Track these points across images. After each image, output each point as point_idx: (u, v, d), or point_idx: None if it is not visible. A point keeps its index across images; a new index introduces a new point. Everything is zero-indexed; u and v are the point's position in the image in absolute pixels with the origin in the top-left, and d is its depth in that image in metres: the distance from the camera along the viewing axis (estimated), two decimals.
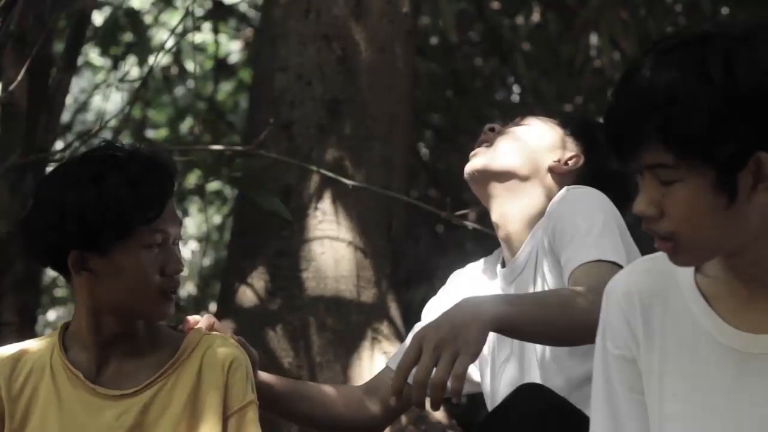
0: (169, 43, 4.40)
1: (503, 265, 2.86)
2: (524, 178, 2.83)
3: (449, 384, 2.22)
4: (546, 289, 2.67)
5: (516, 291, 2.77)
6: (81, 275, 2.50)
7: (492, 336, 2.40)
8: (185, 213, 9.12)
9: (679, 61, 1.83)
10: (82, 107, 7.88)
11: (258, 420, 2.53)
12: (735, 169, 1.81)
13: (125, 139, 7.70)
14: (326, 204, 3.98)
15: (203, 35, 7.78)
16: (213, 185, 7.11)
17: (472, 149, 2.90)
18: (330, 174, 3.90)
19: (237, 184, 4.07)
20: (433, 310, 2.92)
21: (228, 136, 7.10)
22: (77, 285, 2.52)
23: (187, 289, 9.38)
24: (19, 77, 3.46)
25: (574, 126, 2.91)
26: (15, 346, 2.60)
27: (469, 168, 2.87)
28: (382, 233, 4.04)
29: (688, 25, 1.96)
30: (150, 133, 8.45)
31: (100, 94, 7.67)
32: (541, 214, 2.77)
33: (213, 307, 6.88)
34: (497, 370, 2.81)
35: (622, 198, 2.78)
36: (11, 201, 3.63)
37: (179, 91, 8.20)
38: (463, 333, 2.24)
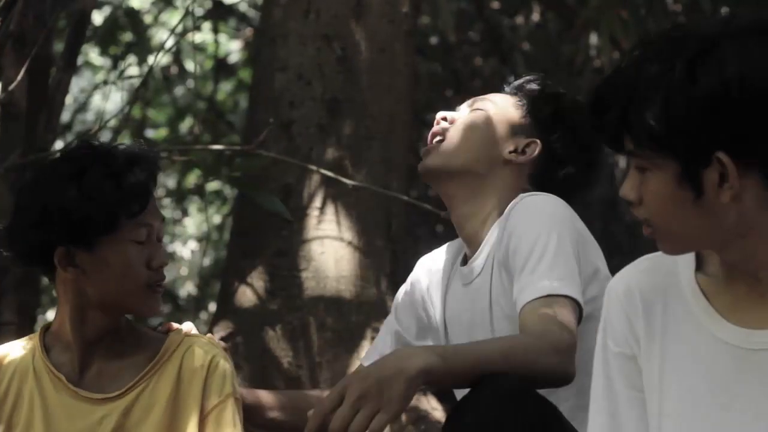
0: (169, 43, 4.39)
1: (463, 262, 2.79)
2: (481, 175, 2.73)
3: None
4: (499, 298, 2.63)
5: (472, 296, 2.70)
6: (67, 272, 2.49)
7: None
8: (185, 213, 9.12)
9: (649, 57, 1.87)
10: (82, 107, 7.89)
11: (238, 416, 2.52)
12: (698, 166, 1.84)
13: (125, 139, 7.71)
14: (326, 204, 3.98)
15: (203, 35, 7.78)
16: (213, 185, 7.12)
17: (427, 142, 2.80)
18: (330, 174, 3.89)
19: (237, 183, 4.07)
20: (399, 298, 2.89)
21: (228, 136, 7.10)
22: (63, 282, 2.52)
23: (187, 288, 9.38)
24: (19, 77, 3.46)
25: (530, 104, 2.80)
26: None
27: (422, 168, 2.77)
28: (381, 233, 4.04)
29: (683, 23, 1.98)
30: (150, 133, 8.46)
31: (99, 94, 7.67)
32: (500, 210, 2.70)
33: (213, 306, 6.88)
34: None
35: (582, 183, 2.78)
36: (11, 201, 3.63)
37: (179, 90, 8.21)
38: (387, 390, 2.22)
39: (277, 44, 4.13)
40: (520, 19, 7.53)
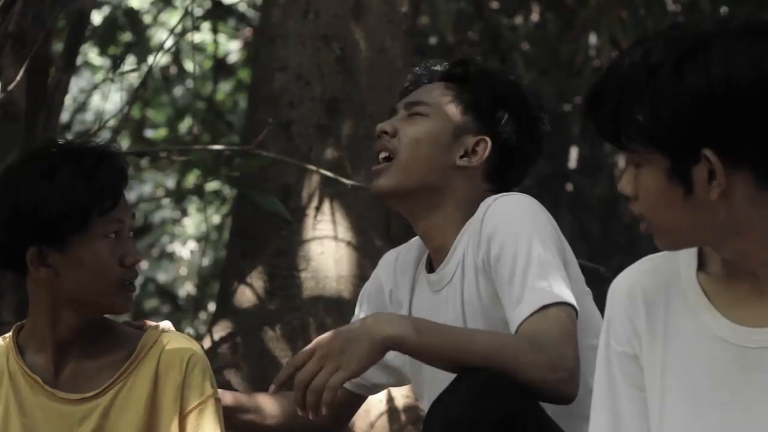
0: (168, 43, 4.39)
1: (430, 269, 2.72)
2: (437, 187, 2.66)
3: (324, 394, 2.31)
4: (474, 306, 2.59)
5: (441, 304, 2.64)
6: (40, 272, 2.47)
7: None
8: (184, 213, 9.12)
9: (643, 55, 1.87)
10: (81, 107, 7.89)
11: (219, 415, 2.50)
12: (687, 162, 1.85)
13: (124, 139, 7.70)
14: (325, 204, 3.98)
15: (202, 35, 7.78)
16: (212, 185, 7.11)
17: (375, 160, 2.71)
18: (329, 174, 3.89)
19: (236, 183, 4.07)
20: (366, 297, 2.84)
21: (227, 136, 7.10)
22: (35, 282, 2.49)
23: (186, 288, 9.38)
24: (18, 77, 3.46)
25: (470, 100, 2.70)
26: None
27: (376, 190, 2.68)
28: (381, 233, 4.04)
29: (682, 22, 1.99)
30: (149, 133, 8.46)
31: (98, 94, 7.67)
32: (464, 215, 2.64)
33: (212, 306, 6.88)
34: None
35: (535, 158, 2.74)
36: None
37: (178, 90, 8.21)
38: (351, 349, 2.32)
39: (276, 44, 4.13)
40: (519, 19, 7.53)
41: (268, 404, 2.81)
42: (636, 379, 2.01)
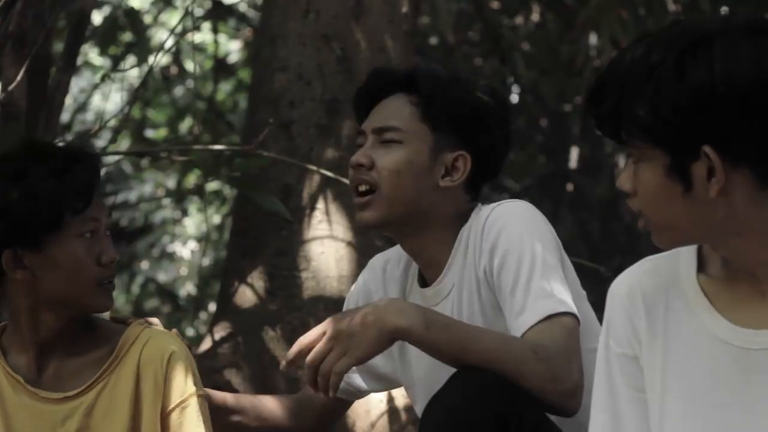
0: (169, 43, 4.39)
1: (423, 284, 2.67)
2: (423, 210, 2.60)
3: (331, 378, 2.33)
4: (474, 319, 2.56)
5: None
6: (17, 274, 2.45)
7: None
8: (185, 213, 9.12)
9: (644, 51, 1.87)
10: (82, 107, 7.89)
11: (203, 412, 2.48)
12: (686, 159, 1.85)
13: (125, 139, 7.70)
14: (325, 204, 3.98)
15: (203, 35, 7.79)
16: (212, 185, 7.12)
17: (353, 191, 2.67)
18: (329, 174, 3.89)
19: (236, 184, 4.07)
20: (351, 299, 2.81)
21: (227, 136, 7.11)
22: (13, 285, 2.48)
23: (187, 288, 9.38)
24: (19, 77, 3.46)
25: (439, 115, 2.62)
26: None
27: (362, 223, 2.65)
28: (381, 233, 4.04)
29: (684, 20, 1.98)
30: (149, 133, 8.46)
31: (99, 94, 7.67)
32: (454, 229, 2.61)
33: (212, 307, 6.88)
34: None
35: (506, 154, 2.69)
36: None
37: (179, 90, 8.21)
38: (359, 335, 2.33)
39: (276, 44, 4.13)
40: (519, 20, 7.54)
41: (255, 406, 2.80)
42: (636, 380, 2.01)
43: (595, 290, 2.66)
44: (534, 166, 8.26)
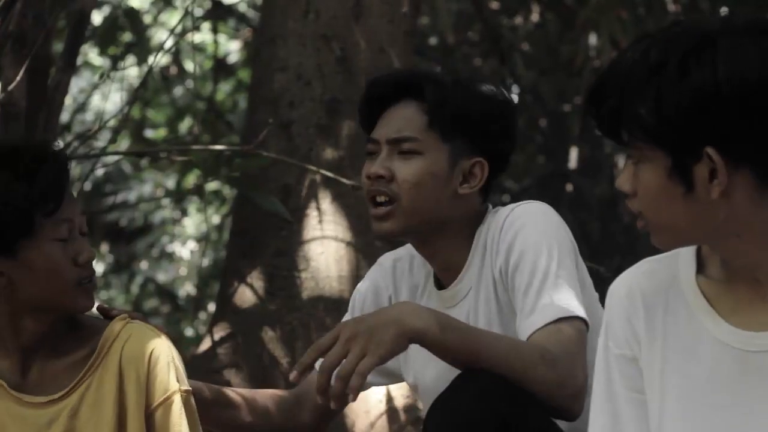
0: (169, 43, 4.39)
1: (439, 286, 2.67)
2: (444, 218, 2.61)
3: (353, 380, 2.26)
4: (492, 320, 2.57)
5: (457, 317, 2.56)
6: None
7: None
8: (184, 213, 9.12)
9: (645, 51, 1.87)
10: (81, 107, 7.89)
11: (188, 409, 2.45)
12: (688, 160, 1.84)
13: (124, 139, 7.70)
14: (325, 204, 3.98)
15: (202, 35, 7.79)
16: (212, 185, 7.11)
17: (369, 201, 2.61)
18: (329, 174, 3.89)
19: (236, 184, 4.07)
20: (362, 302, 2.81)
21: (227, 136, 7.10)
22: None
23: (186, 289, 9.38)
24: (19, 77, 3.46)
25: (453, 122, 2.60)
26: None
27: (380, 233, 2.62)
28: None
29: (684, 20, 1.99)
30: (149, 133, 8.46)
31: (98, 94, 7.67)
32: (469, 231, 2.62)
33: (212, 307, 6.88)
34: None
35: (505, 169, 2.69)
36: None
37: (178, 91, 8.21)
38: (378, 334, 2.28)
39: (276, 44, 4.13)
40: (519, 20, 7.54)
41: (249, 401, 2.77)
42: (635, 381, 2.01)
43: (595, 290, 2.66)
44: (533, 167, 8.26)
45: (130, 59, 6.45)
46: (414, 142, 2.60)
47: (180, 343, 4.28)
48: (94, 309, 2.54)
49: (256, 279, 3.96)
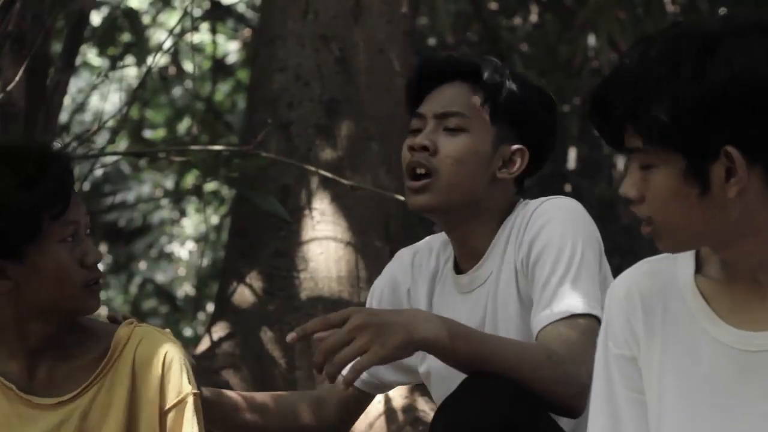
0: (167, 44, 4.39)
1: (457, 271, 2.68)
2: (478, 200, 2.61)
3: (347, 373, 2.27)
4: (508, 308, 2.58)
5: (472, 305, 2.62)
6: (1, 286, 2.40)
7: None
8: (183, 213, 9.12)
9: (655, 52, 1.86)
10: (80, 107, 7.88)
11: (197, 411, 2.45)
12: (705, 160, 1.84)
13: (123, 140, 7.69)
14: (324, 204, 3.98)
15: (201, 35, 7.78)
16: (211, 185, 7.12)
17: (408, 173, 2.62)
18: (328, 174, 3.89)
19: (235, 184, 4.07)
20: (376, 291, 2.81)
21: (226, 137, 7.10)
22: None
23: (185, 289, 9.38)
24: (18, 77, 3.46)
25: (502, 107, 2.62)
26: None
27: (415, 207, 2.62)
28: (379, 233, 4.04)
29: (681, 21, 1.98)
30: (148, 134, 8.46)
31: (97, 95, 7.67)
32: (499, 220, 2.63)
33: (211, 307, 6.88)
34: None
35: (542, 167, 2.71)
36: None
37: (177, 91, 8.21)
38: (385, 335, 2.27)
39: (275, 45, 4.13)
40: (518, 20, 7.54)
41: (275, 404, 2.77)
42: (634, 381, 2.01)
43: None
44: None
45: (129, 59, 6.45)
46: (462, 118, 2.62)
47: None
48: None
49: (255, 279, 3.97)
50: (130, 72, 7.11)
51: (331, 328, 2.31)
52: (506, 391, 2.32)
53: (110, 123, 4.52)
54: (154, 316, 8.30)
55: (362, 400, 2.83)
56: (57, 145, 2.55)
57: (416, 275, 2.76)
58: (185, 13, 4.23)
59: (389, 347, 2.28)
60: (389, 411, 3.83)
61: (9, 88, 3.47)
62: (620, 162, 7.62)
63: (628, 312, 2.01)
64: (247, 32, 8.10)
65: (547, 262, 2.50)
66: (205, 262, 8.04)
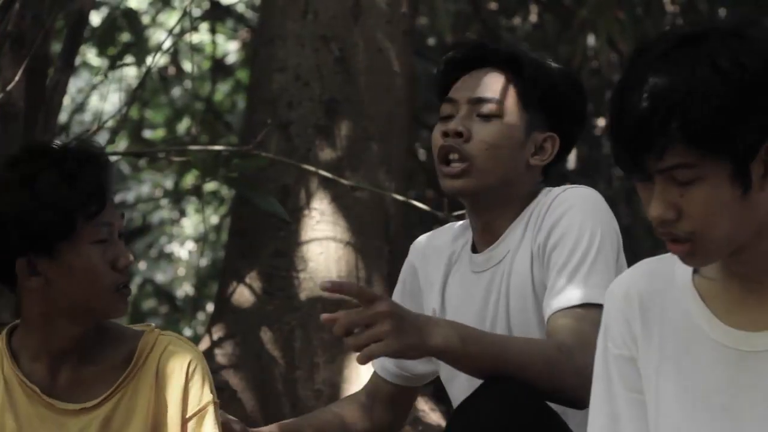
0: (167, 44, 4.40)
1: (474, 250, 2.69)
2: (510, 185, 2.63)
3: (359, 357, 2.30)
4: (523, 290, 2.59)
5: (485, 284, 2.63)
6: (30, 282, 2.40)
7: None
8: (182, 213, 9.12)
9: (683, 59, 1.83)
10: (80, 107, 7.88)
11: (217, 420, 2.46)
12: (749, 159, 1.82)
13: (123, 140, 7.69)
14: (324, 204, 3.98)
15: (201, 35, 7.78)
16: (210, 185, 7.12)
17: (441, 159, 2.63)
18: (327, 174, 3.90)
19: (234, 184, 4.07)
20: (402, 276, 2.83)
21: (225, 137, 7.11)
22: (27, 293, 2.42)
23: (185, 289, 9.38)
24: (17, 77, 3.46)
25: (535, 95, 2.65)
26: None
27: (452, 190, 2.63)
28: (379, 234, 4.04)
29: (673, 29, 1.95)
30: (147, 134, 8.46)
31: (97, 95, 7.67)
32: (524, 205, 2.64)
33: (210, 307, 6.88)
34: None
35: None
36: None
37: (176, 91, 8.21)
38: (401, 332, 2.28)
39: (275, 45, 4.13)
40: (517, 20, 7.54)
41: (335, 417, 2.83)
42: (633, 381, 2.01)
43: None
44: None
45: (129, 59, 6.46)
46: (496, 104, 2.63)
47: None
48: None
49: (254, 279, 3.97)
50: (130, 72, 7.10)
51: (361, 297, 2.33)
52: (523, 397, 2.32)
53: (110, 123, 4.52)
54: (154, 316, 8.30)
55: (407, 394, 2.85)
56: (98, 145, 2.56)
57: (430, 256, 2.77)
58: (185, 13, 4.23)
59: (402, 343, 2.29)
60: None
61: (9, 88, 3.47)
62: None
63: (626, 313, 2.01)
64: (246, 32, 8.10)
65: (565, 248, 2.51)
66: (205, 262, 8.04)
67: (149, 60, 4.29)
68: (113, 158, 5.15)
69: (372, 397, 2.84)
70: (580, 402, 2.38)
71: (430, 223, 4.11)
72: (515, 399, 2.31)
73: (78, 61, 6.39)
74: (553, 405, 2.40)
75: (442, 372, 2.74)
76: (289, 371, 3.88)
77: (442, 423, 3.84)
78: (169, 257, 9.39)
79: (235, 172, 3.96)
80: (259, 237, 4.00)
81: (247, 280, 3.97)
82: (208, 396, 2.46)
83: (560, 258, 2.51)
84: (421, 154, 6.88)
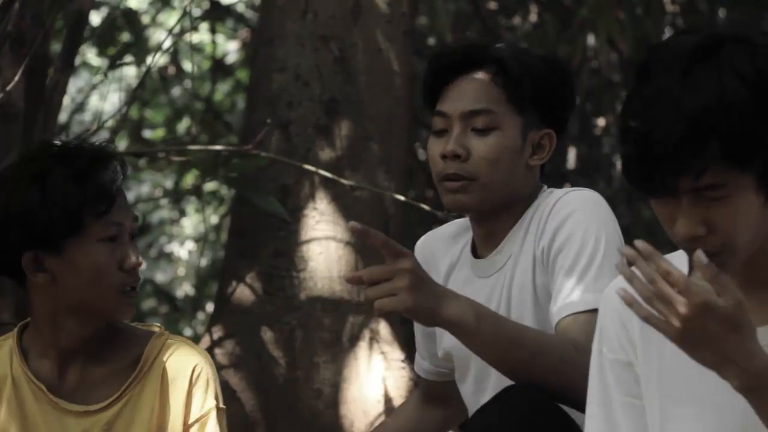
0: (167, 44, 4.40)
1: (475, 255, 2.67)
2: (514, 190, 2.61)
3: (375, 309, 2.28)
4: (524, 294, 2.57)
5: (488, 290, 2.61)
6: (37, 277, 2.41)
7: None
8: (182, 213, 9.12)
9: (708, 72, 1.81)
10: (80, 107, 7.88)
11: (221, 426, 2.45)
12: None
13: (122, 140, 7.69)
14: (323, 204, 3.98)
15: (200, 35, 7.78)
16: (210, 185, 7.11)
17: (440, 177, 2.59)
18: (327, 174, 3.90)
19: (234, 184, 4.07)
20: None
21: (225, 137, 7.11)
22: (34, 289, 2.43)
23: (184, 289, 9.38)
24: (17, 77, 3.46)
25: (524, 94, 2.59)
26: None
27: (456, 206, 2.60)
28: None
29: (677, 38, 1.93)
30: (147, 133, 8.46)
31: (97, 95, 7.67)
32: (524, 206, 2.61)
33: (210, 307, 6.88)
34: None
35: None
36: None
37: (176, 91, 8.21)
38: (419, 294, 2.26)
39: (274, 45, 4.13)
40: (517, 20, 7.54)
41: (414, 422, 2.86)
42: (629, 386, 2.00)
43: None
44: None
45: (128, 59, 6.46)
46: (490, 115, 2.58)
47: None
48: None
49: (254, 279, 3.97)
50: (130, 72, 7.10)
51: (387, 250, 2.30)
52: (544, 406, 2.32)
53: (110, 123, 4.52)
54: (154, 316, 8.30)
55: (448, 388, 2.81)
56: (114, 147, 2.56)
57: (429, 258, 2.74)
58: (184, 13, 4.23)
59: (416, 303, 2.27)
60: (389, 411, 3.83)
61: (8, 88, 3.47)
62: (619, 162, 7.60)
63: (623, 316, 2.00)
64: (246, 32, 8.10)
65: (571, 252, 2.49)
66: (205, 262, 8.04)
67: (149, 60, 4.29)
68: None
69: (425, 398, 2.87)
70: (584, 404, 2.39)
71: (430, 222, 4.12)
72: (534, 405, 2.31)
73: (78, 60, 6.39)
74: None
75: (456, 372, 2.73)
76: (289, 371, 3.88)
77: None
78: (168, 257, 9.39)
79: (235, 172, 3.96)
80: (259, 237, 4.00)
81: (247, 280, 3.97)
82: (211, 402, 2.45)
83: (566, 261, 2.49)
84: (421, 153, 6.88)
